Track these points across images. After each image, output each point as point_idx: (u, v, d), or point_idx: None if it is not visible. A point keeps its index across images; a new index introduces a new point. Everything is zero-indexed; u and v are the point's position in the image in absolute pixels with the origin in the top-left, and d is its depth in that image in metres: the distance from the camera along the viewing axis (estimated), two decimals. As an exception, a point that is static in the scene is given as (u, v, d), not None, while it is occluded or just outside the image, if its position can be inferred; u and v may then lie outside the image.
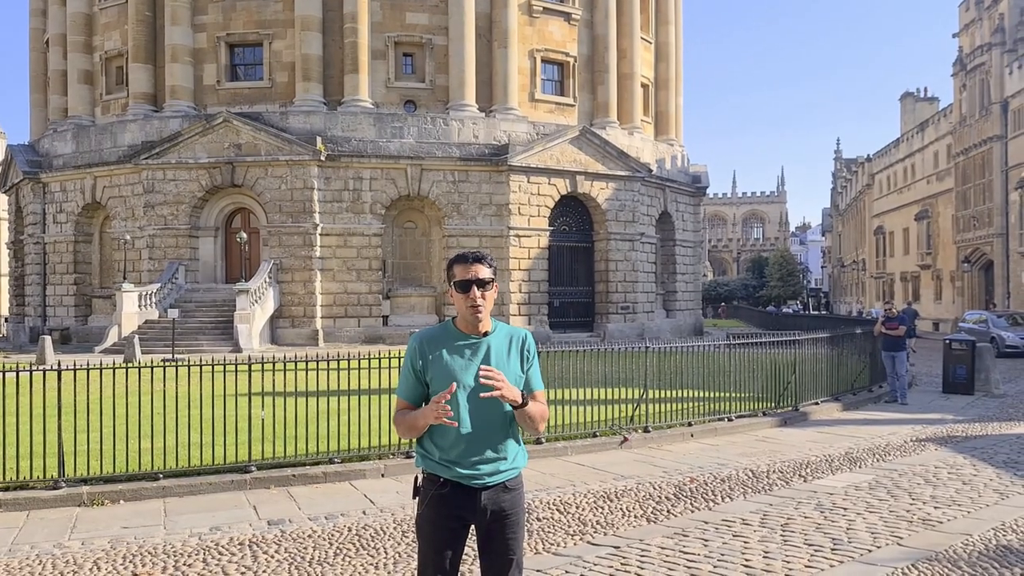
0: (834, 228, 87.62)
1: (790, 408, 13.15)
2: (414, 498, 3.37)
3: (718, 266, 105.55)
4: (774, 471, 9.11)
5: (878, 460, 9.72)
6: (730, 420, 12.06)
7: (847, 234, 77.89)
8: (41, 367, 9.34)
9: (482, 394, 3.12)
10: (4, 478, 7.88)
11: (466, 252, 3.36)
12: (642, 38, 36.57)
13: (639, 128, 35.64)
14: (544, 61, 33.30)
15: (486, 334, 3.31)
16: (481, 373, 3.13)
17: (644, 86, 37.04)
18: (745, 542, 6.32)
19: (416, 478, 3.39)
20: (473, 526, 3.35)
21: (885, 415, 13.79)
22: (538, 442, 10.02)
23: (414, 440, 3.43)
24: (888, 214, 59.06)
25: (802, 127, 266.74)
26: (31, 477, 7.91)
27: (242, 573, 5.74)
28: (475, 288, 3.25)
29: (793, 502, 7.61)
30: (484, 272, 3.27)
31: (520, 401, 3.21)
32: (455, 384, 3.15)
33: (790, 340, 13.91)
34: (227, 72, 31.55)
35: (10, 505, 7.54)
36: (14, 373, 8.34)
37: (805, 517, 7.06)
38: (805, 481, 8.57)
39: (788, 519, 7.00)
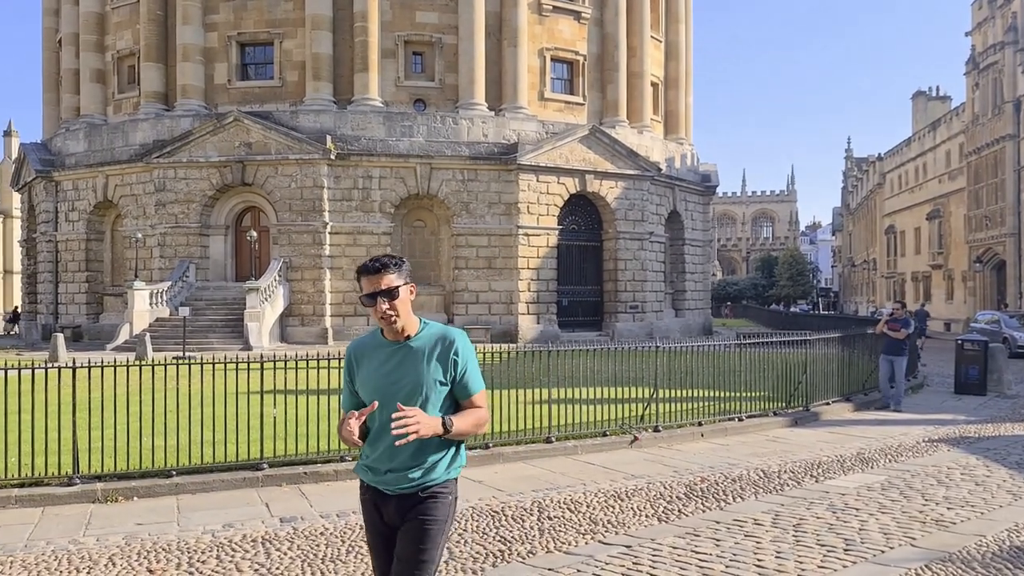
0: (845, 227, 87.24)
1: (801, 408, 13.12)
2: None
3: (727, 265, 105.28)
4: (785, 471, 9.10)
5: (890, 460, 9.69)
6: (740, 420, 12.05)
7: (858, 233, 77.54)
8: (55, 364, 9.41)
9: (397, 443, 3.02)
10: (20, 474, 7.97)
11: (370, 262, 3.23)
12: (652, 36, 36.51)
13: (648, 127, 35.58)
14: (554, 60, 33.29)
15: (408, 338, 3.25)
16: (393, 417, 3.02)
17: (654, 85, 36.97)
18: (757, 542, 6.31)
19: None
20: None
21: (896, 415, 13.73)
22: (548, 441, 10.05)
23: None
24: (899, 213, 58.78)
25: (813, 126, 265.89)
26: (46, 474, 7.98)
27: (255, 570, 5.78)
28: (380, 301, 3.18)
29: (805, 502, 7.59)
30: (389, 281, 3.18)
31: (442, 431, 3.13)
32: (376, 403, 3.12)
33: (801, 340, 13.84)
34: (238, 71, 31.69)
35: (25, 501, 7.61)
36: (29, 371, 8.41)
37: (817, 517, 7.04)
38: (817, 481, 8.55)
39: (800, 519, 6.98)
